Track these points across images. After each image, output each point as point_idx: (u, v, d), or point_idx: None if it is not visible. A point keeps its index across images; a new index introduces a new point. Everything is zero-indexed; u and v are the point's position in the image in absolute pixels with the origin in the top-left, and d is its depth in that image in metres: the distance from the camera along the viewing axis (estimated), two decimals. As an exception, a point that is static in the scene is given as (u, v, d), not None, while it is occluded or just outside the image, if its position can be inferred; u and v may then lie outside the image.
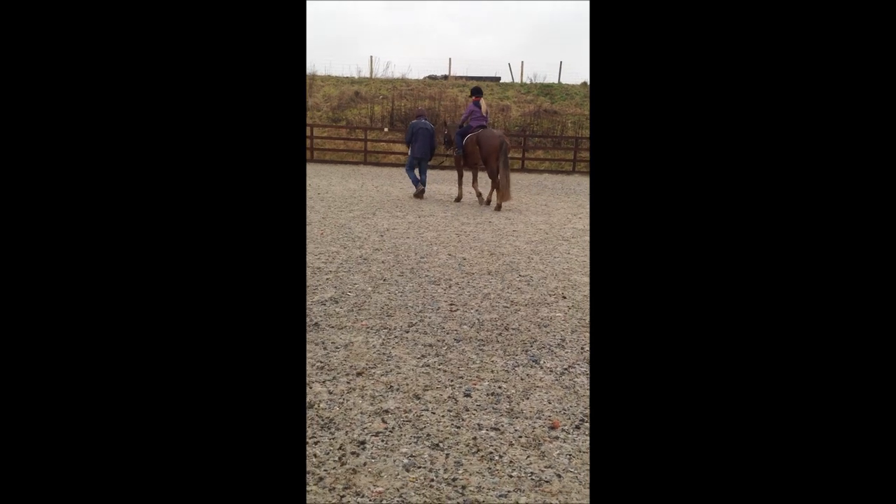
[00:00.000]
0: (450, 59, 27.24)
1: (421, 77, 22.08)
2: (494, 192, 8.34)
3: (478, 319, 3.43)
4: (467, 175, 9.72)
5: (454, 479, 1.81)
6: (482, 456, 1.96)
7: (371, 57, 31.15)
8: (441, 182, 9.97)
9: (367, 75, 21.55)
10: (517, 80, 21.89)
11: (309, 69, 21.79)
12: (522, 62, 35.89)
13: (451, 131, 9.38)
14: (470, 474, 1.85)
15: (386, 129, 16.55)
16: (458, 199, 8.98)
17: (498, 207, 8.19)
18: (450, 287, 4.12)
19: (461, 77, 21.86)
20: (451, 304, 3.70)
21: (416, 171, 9.38)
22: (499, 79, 21.79)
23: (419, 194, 9.08)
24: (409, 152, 9.25)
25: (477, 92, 8.81)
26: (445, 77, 21.95)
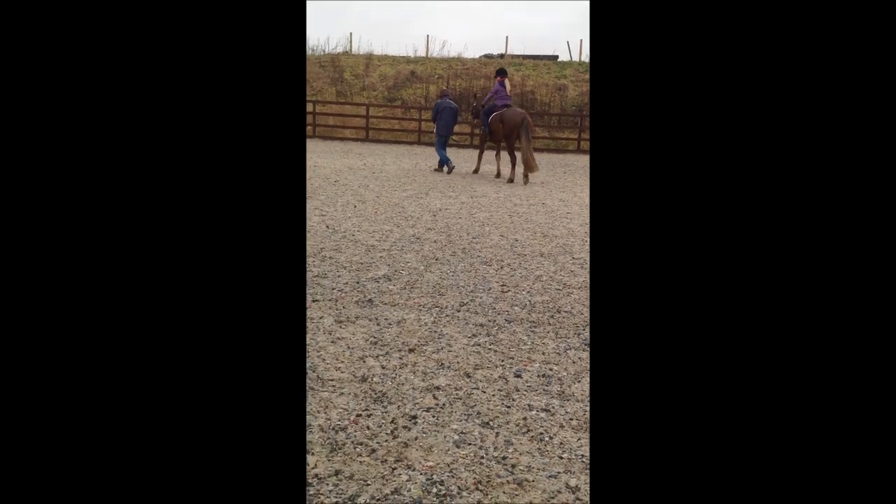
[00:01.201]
0: (506, 38, 26.83)
1: (477, 56, 21.84)
2: (513, 169, 8.87)
3: (529, 301, 3.41)
4: (489, 153, 10.35)
5: (504, 458, 1.83)
6: (532, 436, 1.96)
7: (427, 36, 31.00)
8: (491, 163, 9.97)
9: (423, 55, 21.48)
10: (575, 58, 21.34)
11: (366, 48, 21.95)
12: (581, 40, 34.70)
13: (479, 104, 9.97)
14: (520, 454, 1.86)
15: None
16: (476, 172, 9.73)
17: (525, 181, 8.70)
18: (501, 268, 4.11)
19: (518, 56, 21.47)
20: (502, 285, 3.69)
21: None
22: (556, 57, 21.29)
23: (442, 169, 9.65)
24: (435, 130, 9.86)
25: (502, 72, 9.31)
26: (502, 56, 21.62)
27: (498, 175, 9.42)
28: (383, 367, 2.43)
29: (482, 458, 1.82)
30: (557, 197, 7.70)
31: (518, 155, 8.77)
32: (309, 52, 21.62)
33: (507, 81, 9.21)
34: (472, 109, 10.68)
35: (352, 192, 7.21)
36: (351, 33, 25.75)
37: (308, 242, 4.53)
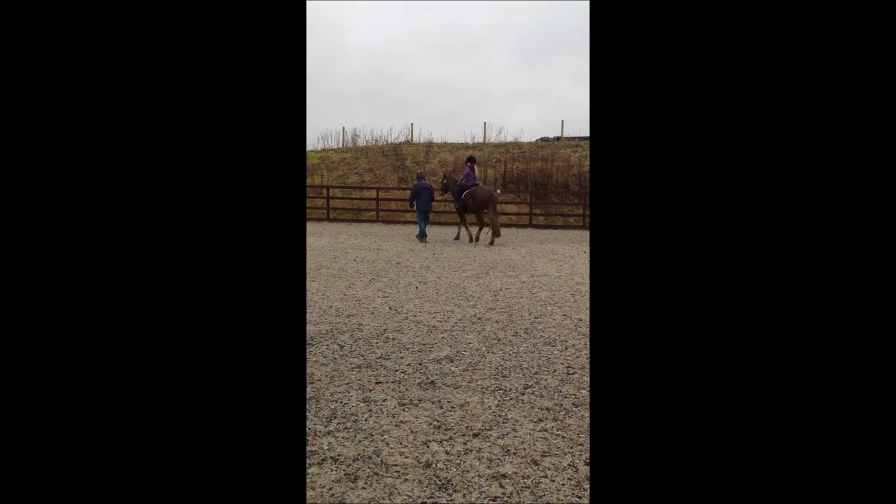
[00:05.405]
0: (562, 121, 27.52)
1: (534, 140, 22.44)
2: (479, 230, 11.82)
3: (597, 383, 3.29)
4: (468, 220, 13.11)
5: (577, 555, 1.71)
6: (607, 531, 1.83)
7: (484, 123, 32.30)
8: (532, 242, 9.96)
9: (481, 141, 22.28)
10: (632, 138, 21.52)
11: (426, 137, 23.01)
12: (637, 120, 35.21)
13: (450, 182, 12.50)
14: (594, 551, 1.73)
15: (499, 191, 16.91)
16: (457, 238, 12.36)
17: (491, 243, 11.29)
18: (566, 349, 4.00)
19: (574, 138, 21.91)
20: (567, 367, 3.59)
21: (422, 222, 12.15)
22: (612, 138, 21.56)
23: (421, 238, 11.92)
24: (416, 207, 12.01)
25: (471, 160, 12.09)
26: (558, 138, 22.12)
27: (458, 238, 12.35)
28: (447, 453, 2.37)
29: (554, 554, 1.71)
30: (620, 275, 7.55)
31: (488, 223, 11.20)
32: (373, 142, 22.87)
33: (475, 167, 11.92)
34: (441, 186, 12.70)
35: (413, 273, 7.34)
36: (412, 124, 27.17)
37: (371, 324, 4.59)
